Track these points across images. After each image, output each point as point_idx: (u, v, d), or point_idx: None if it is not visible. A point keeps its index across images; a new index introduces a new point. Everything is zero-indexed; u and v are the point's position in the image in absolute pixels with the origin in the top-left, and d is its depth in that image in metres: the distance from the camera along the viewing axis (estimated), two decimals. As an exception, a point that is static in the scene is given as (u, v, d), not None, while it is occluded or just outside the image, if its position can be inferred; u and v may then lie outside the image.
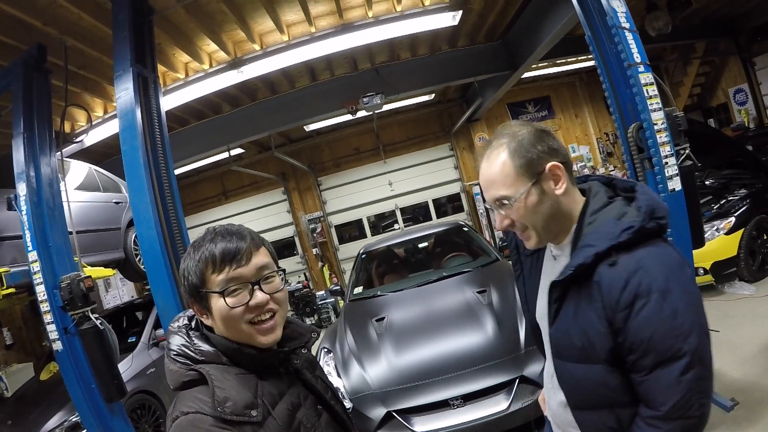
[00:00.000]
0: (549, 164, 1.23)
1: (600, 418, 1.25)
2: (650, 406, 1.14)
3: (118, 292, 10.53)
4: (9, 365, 8.02)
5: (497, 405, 2.91)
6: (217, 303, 1.11)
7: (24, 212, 3.58)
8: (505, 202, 1.26)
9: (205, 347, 1.12)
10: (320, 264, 11.60)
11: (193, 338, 1.15)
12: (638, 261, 1.14)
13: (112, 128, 6.20)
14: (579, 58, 9.18)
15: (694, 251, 3.16)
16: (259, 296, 1.12)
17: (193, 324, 1.20)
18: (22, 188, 3.61)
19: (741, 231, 5.14)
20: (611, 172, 10.78)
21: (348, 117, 8.27)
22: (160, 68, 5.63)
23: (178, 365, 1.10)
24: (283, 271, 1.22)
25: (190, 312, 1.22)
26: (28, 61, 3.76)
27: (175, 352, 1.12)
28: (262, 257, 1.16)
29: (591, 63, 3.14)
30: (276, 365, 1.20)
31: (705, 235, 4.24)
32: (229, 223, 1.22)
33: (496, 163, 1.26)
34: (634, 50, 3.04)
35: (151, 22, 3.83)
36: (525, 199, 1.23)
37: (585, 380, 1.24)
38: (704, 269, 5.06)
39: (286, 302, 1.22)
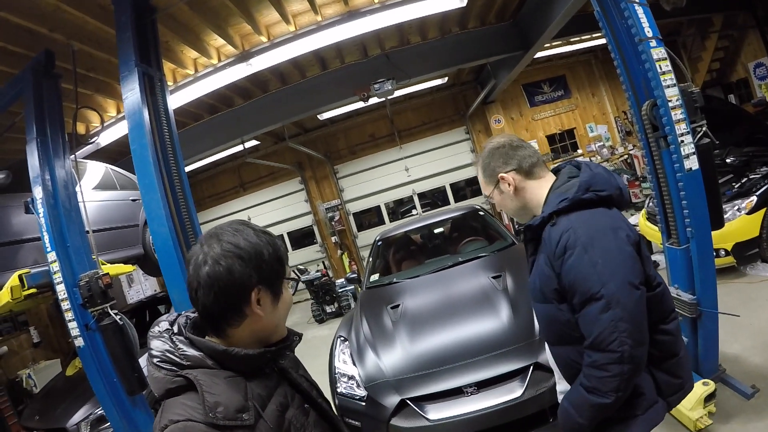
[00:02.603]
0: (499, 174, 1.70)
1: (566, 352, 1.60)
2: (586, 337, 1.46)
3: (141, 286, 10.77)
4: (37, 362, 8.29)
5: (511, 392, 2.87)
6: (287, 290, 1.22)
7: (41, 215, 3.66)
8: (487, 198, 1.77)
9: (191, 352, 1.09)
10: (339, 252, 11.66)
11: (178, 343, 1.10)
12: (571, 222, 1.49)
13: (125, 128, 6.27)
14: (593, 35, 8.95)
15: (713, 232, 3.05)
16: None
17: (175, 329, 1.15)
18: (38, 192, 3.68)
19: (763, 210, 4.89)
20: (630, 152, 10.54)
21: (361, 104, 8.22)
22: (170, 65, 5.66)
23: (164, 372, 1.06)
24: None
25: (171, 316, 1.19)
26: (36, 67, 3.80)
27: (159, 358, 1.08)
28: None
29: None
30: (263, 366, 1.18)
31: (726, 215, 4.10)
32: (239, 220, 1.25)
33: (478, 175, 1.81)
34: (645, 24, 2.93)
35: (154, 21, 3.83)
36: (493, 196, 1.76)
37: (545, 316, 1.63)
38: (725, 251, 4.86)
39: None
